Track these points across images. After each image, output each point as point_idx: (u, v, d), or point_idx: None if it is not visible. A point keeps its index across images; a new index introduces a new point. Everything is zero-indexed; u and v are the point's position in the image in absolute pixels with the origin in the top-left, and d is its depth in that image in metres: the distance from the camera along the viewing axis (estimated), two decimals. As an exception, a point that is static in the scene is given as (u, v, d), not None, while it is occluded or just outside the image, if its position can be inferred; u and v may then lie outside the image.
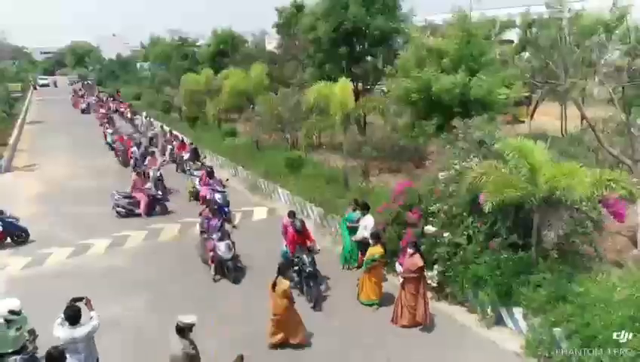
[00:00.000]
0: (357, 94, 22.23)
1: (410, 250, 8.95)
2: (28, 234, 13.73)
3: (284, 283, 8.32)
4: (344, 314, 9.71)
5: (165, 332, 7.00)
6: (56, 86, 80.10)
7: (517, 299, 8.77)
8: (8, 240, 13.50)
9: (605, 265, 9.49)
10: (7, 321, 7.08)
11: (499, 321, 9.12)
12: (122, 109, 40.75)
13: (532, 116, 26.80)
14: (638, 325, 7.17)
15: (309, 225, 14.43)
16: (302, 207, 15.54)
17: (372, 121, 22.20)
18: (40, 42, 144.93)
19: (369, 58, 22.72)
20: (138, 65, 58.64)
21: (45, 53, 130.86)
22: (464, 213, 9.95)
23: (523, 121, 27.45)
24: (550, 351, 7.94)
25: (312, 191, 15.40)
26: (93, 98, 49.54)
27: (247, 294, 10.50)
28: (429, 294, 9.60)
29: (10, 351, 7.12)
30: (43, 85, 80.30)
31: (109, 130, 27.67)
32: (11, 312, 7.09)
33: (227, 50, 39.59)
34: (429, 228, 10.17)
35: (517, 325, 8.82)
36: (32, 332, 7.44)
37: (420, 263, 8.87)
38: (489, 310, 9.11)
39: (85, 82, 72.27)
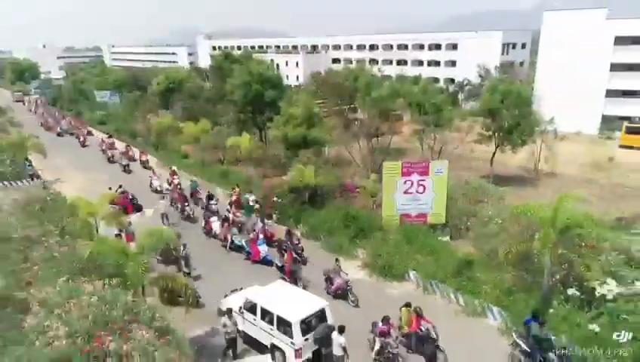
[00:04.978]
0: (262, 135, 38.78)
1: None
2: (141, 208, 28.56)
3: None
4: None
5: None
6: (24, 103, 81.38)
7: (305, 223, 25.32)
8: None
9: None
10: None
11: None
12: (131, 154, 40.93)
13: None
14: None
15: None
16: (227, 196, 31.34)
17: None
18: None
19: (268, 111, 39.07)
20: (95, 92, 69.15)
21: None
22: (290, 193, 26.45)
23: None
24: (315, 235, 24.53)
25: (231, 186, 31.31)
26: (65, 121, 56.29)
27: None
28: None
29: None
30: None
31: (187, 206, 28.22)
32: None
33: (174, 87, 54.41)
34: (276, 199, 26.64)
35: (303, 230, 25.35)
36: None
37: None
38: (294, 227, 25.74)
39: (39, 100, 75.84)
